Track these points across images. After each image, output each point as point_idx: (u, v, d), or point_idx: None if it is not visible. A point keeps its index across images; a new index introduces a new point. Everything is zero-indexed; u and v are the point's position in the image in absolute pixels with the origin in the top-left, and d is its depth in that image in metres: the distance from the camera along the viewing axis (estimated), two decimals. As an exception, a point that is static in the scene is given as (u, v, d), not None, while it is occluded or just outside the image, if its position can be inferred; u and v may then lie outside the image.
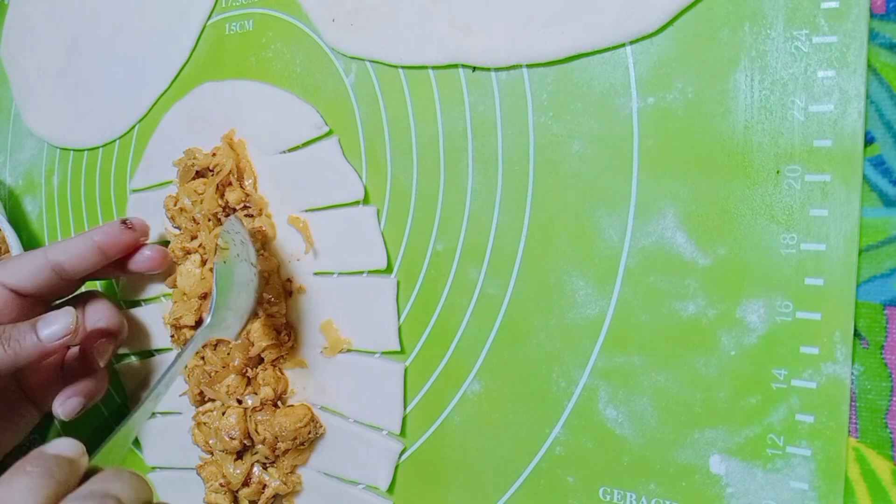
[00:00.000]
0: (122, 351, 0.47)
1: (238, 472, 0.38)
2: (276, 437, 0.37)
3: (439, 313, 0.34)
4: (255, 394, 0.38)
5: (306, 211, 0.38)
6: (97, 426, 0.48)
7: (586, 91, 0.31)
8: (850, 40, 0.25)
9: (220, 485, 0.38)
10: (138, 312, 0.46)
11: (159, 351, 0.45)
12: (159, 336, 0.45)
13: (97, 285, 0.48)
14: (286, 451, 0.38)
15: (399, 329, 0.36)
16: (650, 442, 0.29)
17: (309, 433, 0.37)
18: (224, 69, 0.42)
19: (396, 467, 0.36)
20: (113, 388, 0.47)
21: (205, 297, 0.40)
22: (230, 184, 0.40)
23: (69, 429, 0.49)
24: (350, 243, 0.37)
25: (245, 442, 0.38)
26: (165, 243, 0.43)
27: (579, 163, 0.31)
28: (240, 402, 0.38)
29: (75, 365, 0.40)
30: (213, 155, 0.40)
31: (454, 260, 0.34)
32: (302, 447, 0.38)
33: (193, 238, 0.41)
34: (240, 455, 0.39)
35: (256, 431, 0.38)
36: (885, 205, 0.25)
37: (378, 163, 0.36)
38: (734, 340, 0.27)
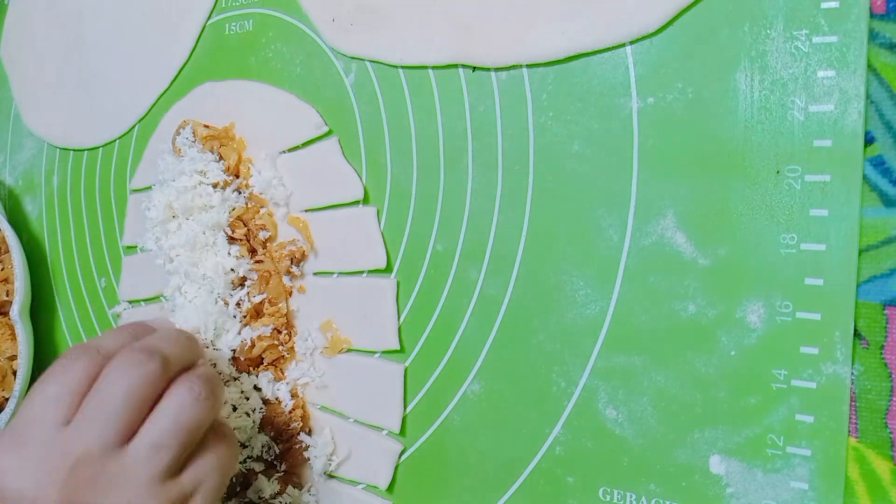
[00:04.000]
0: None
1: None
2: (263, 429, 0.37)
3: (439, 313, 0.34)
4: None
5: (306, 211, 0.38)
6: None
7: (586, 91, 0.31)
8: (850, 40, 0.25)
9: None
10: (137, 312, 0.46)
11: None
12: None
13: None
14: (285, 451, 0.38)
15: (399, 329, 0.36)
16: (650, 442, 0.29)
17: (290, 423, 0.37)
18: (224, 69, 0.42)
19: (396, 467, 0.36)
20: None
21: None
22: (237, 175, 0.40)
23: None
24: (350, 243, 0.37)
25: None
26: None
27: (579, 163, 0.31)
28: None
29: None
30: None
31: (454, 260, 0.34)
32: (288, 442, 0.38)
33: None
34: None
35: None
36: (885, 205, 0.25)
37: (378, 163, 0.36)
38: (734, 340, 0.27)
